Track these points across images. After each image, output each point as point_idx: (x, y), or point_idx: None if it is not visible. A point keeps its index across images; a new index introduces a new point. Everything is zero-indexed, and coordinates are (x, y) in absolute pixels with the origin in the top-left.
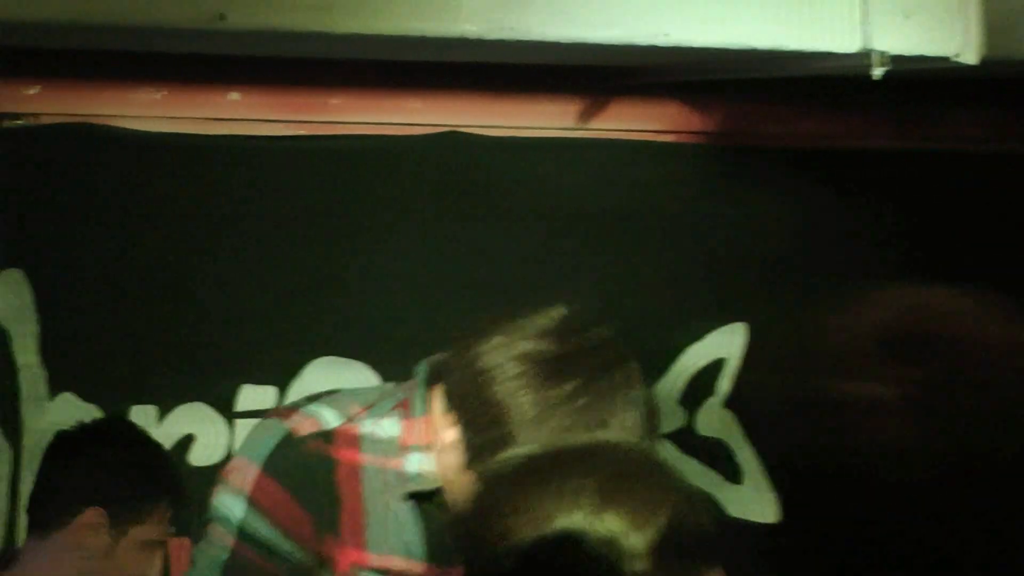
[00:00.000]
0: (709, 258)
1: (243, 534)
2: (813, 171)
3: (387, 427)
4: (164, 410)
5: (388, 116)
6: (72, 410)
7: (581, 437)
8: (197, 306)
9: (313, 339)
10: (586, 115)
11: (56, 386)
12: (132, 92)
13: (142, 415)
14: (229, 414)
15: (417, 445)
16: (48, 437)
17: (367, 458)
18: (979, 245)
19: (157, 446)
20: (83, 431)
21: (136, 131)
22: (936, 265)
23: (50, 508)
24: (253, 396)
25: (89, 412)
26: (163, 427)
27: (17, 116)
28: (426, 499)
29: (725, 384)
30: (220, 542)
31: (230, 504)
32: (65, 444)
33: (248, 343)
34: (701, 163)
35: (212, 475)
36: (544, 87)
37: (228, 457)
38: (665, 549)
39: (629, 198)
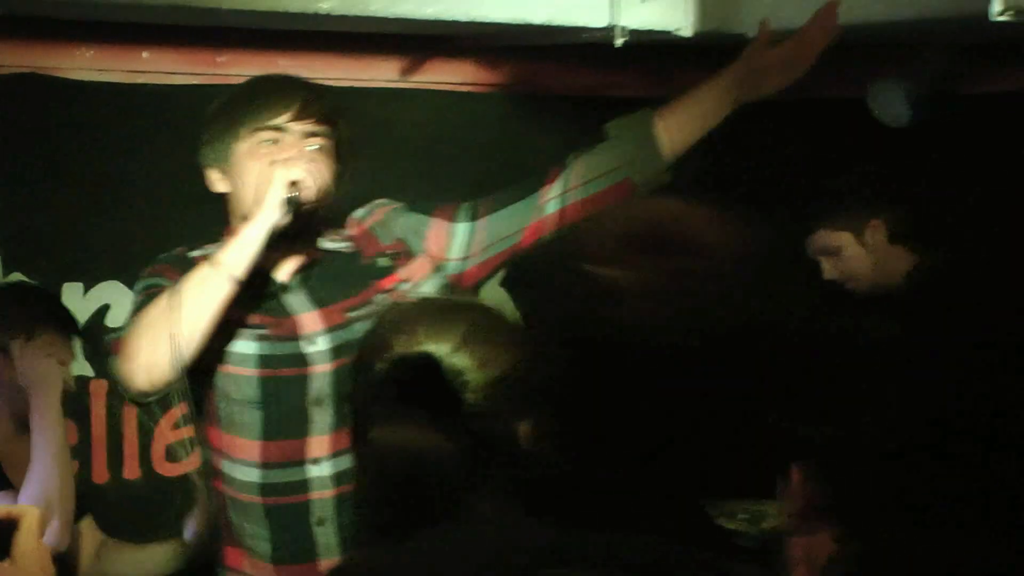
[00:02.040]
0: (497, 178)
1: (146, 286)
2: (576, 112)
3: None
4: (88, 287)
5: (262, 70)
6: None
7: (461, 296)
8: (116, 208)
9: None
10: (408, 70)
11: (8, 267)
12: (69, 50)
13: (73, 289)
14: None
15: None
16: None
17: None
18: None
19: (54, 297)
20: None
21: (72, 79)
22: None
23: None
24: None
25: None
26: (87, 300)
27: None
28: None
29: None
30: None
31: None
32: None
33: (151, 236)
34: (495, 107)
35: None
36: (377, 48)
37: None
38: (497, 389)
39: (440, 135)
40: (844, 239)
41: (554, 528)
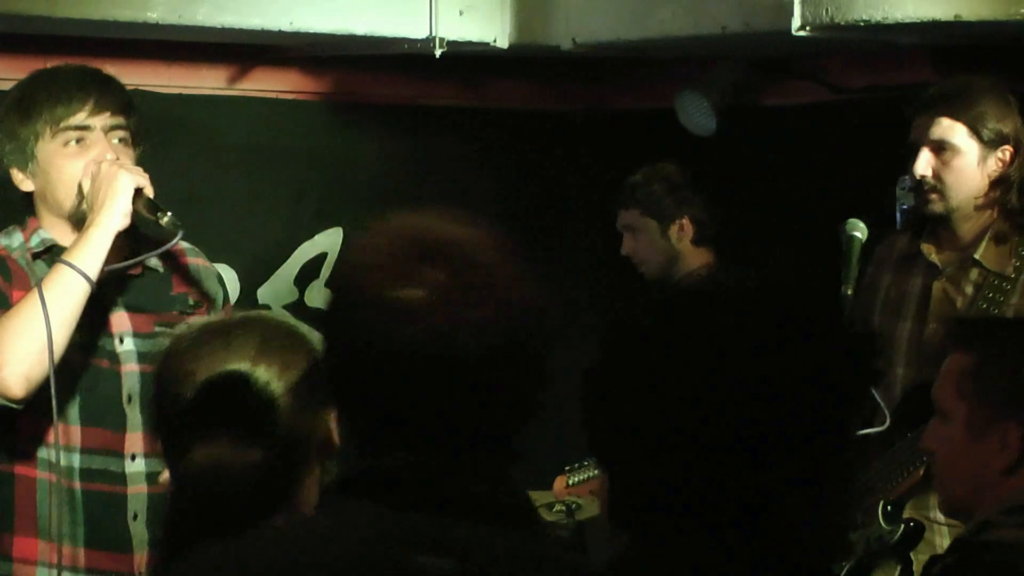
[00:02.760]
0: (319, 184)
1: None
2: (393, 121)
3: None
4: None
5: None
6: None
7: (242, 312)
8: None
9: None
10: (233, 79)
11: None
12: None
13: None
14: None
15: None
16: None
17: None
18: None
19: None
20: None
21: None
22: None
23: None
24: None
25: None
26: None
27: None
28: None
29: (326, 270)
30: None
31: None
32: None
33: None
34: (318, 115)
35: None
36: (204, 57)
37: None
38: (299, 392)
39: (264, 141)
40: (646, 224)
41: (409, 516)
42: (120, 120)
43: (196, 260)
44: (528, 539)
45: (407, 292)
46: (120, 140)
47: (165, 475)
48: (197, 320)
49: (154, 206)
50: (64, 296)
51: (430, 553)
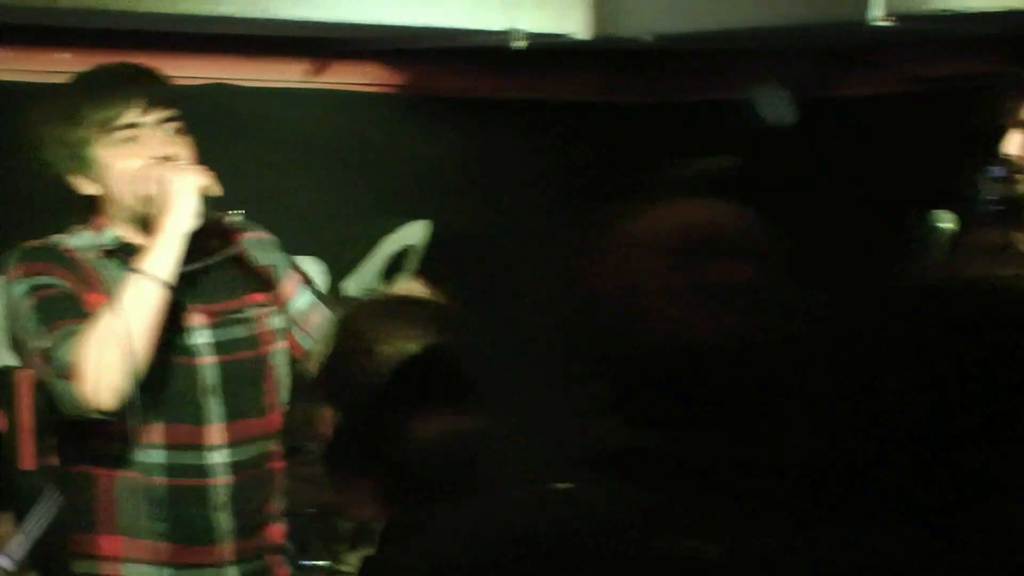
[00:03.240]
0: (403, 175)
1: (35, 287)
2: (471, 115)
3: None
4: None
5: (173, 71)
6: None
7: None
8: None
9: None
10: (313, 72)
11: None
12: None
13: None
14: None
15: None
16: None
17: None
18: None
19: None
20: None
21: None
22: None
23: None
24: None
25: None
26: None
27: None
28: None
29: (411, 263)
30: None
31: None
32: None
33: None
34: (398, 108)
35: None
36: (283, 50)
37: None
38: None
39: (345, 134)
40: None
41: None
42: (169, 112)
43: (251, 233)
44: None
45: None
46: (174, 132)
47: None
48: (360, 301)
49: (219, 203)
50: (144, 306)
51: (694, 537)
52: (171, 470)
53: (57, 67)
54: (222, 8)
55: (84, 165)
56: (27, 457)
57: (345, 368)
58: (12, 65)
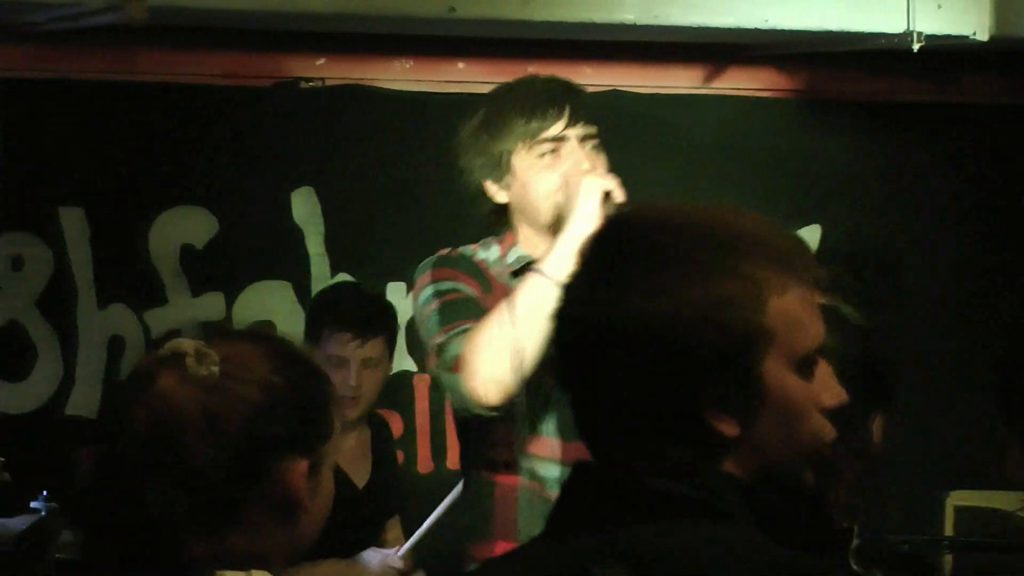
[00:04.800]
0: (795, 180)
1: (439, 291)
2: (866, 119)
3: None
4: (411, 285)
5: (567, 79)
6: None
7: None
8: (433, 212)
9: None
10: (707, 78)
11: (335, 268)
12: (389, 63)
13: (395, 289)
14: None
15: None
16: None
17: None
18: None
19: (381, 300)
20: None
21: (391, 90)
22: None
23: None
24: None
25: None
26: (409, 297)
27: (309, 80)
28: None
29: None
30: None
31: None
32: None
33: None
34: (791, 114)
35: None
36: (678, 56)
37: None
38: None
39: (737, 140)
40: None
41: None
42: (592, 129)
43: None
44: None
45: None
46: (593, 147)
47: None
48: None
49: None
50: (536, 305)
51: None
52: None
53: (453, 77)
54: (619, 15)
55: (500, 173)
56: (424, 460)
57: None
58: (412, 75)
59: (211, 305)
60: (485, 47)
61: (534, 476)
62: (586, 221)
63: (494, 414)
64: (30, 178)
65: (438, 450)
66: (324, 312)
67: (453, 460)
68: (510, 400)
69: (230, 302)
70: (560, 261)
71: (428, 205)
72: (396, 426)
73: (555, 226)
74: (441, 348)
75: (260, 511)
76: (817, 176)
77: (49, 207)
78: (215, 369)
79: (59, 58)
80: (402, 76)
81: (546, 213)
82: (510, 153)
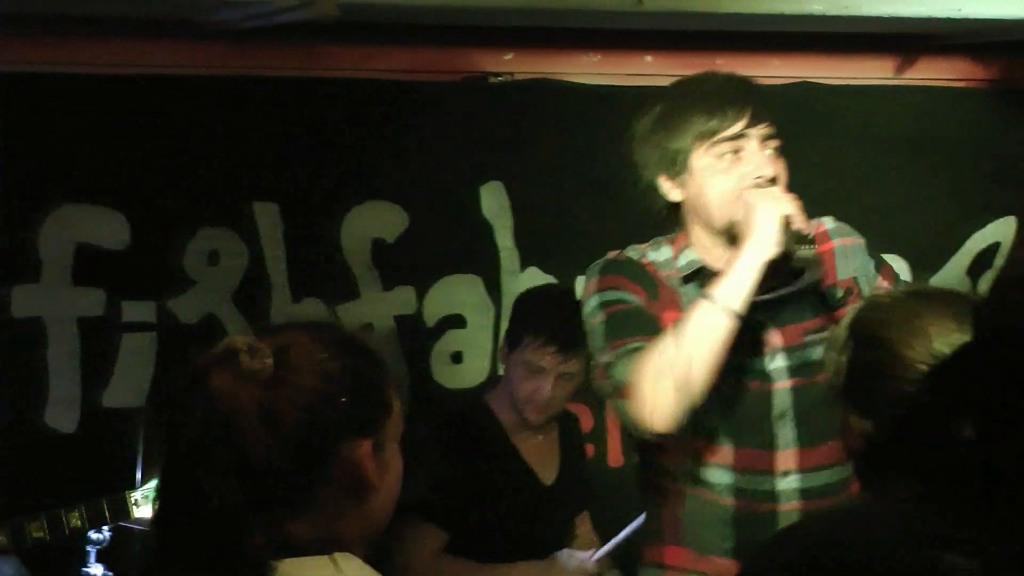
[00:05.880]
0: (989, 171)
1: (605, 302)
2: None
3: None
4: None
5: (755, 71)
6: (536, 280)
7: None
8: (616, 207)
9: None
10: (899, 68)
11: (525, 262)
12: (577, 57)
13: (583, 282)
14: None
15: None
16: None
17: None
18: None
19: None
20: (539, 290)
21: (579, 84)
22: None
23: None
24: None
25: (547, 281)
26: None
27: (498, 74)
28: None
29: (1000, 260)
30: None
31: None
32: (525, 297)
33: (656, 231)
34: (984, 103)
35: None
36: (868, 47)
37: None
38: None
39: (928, 130)
40: None
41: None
42: (772, 130)
43: (840, 241)
44: None
45: None
46: (773, 150)
47: None
48: (881, 298)
49: (800, 237)
50: (710, 335)
51: (952, 550)
52: (739, 492)
53: (640, 70)
54: (807, 6)
55: (678, 172)
56: (614, 455)
57: (871, 374)
58: (600, 69)
59: (402, 299)
60: (672, 40)
61: (704, 483)
62: (763, 248)
63: (661, 440)
64: (226, 174)
65: (630, 445)
66: (529, 319)
67: None
68: (678, 426)
69: (421, 296)
70: (733, 289)
71: (617, 199)
72: (586, 421)
73: (728, 232)
74: (609, 369)
75: (330, 495)
76: (1012, 167)
77: (244, 202)
78: (268, 363)
79: (252, 55)
80: (590, 70)
81: (720, 218)
82: (687, 151)
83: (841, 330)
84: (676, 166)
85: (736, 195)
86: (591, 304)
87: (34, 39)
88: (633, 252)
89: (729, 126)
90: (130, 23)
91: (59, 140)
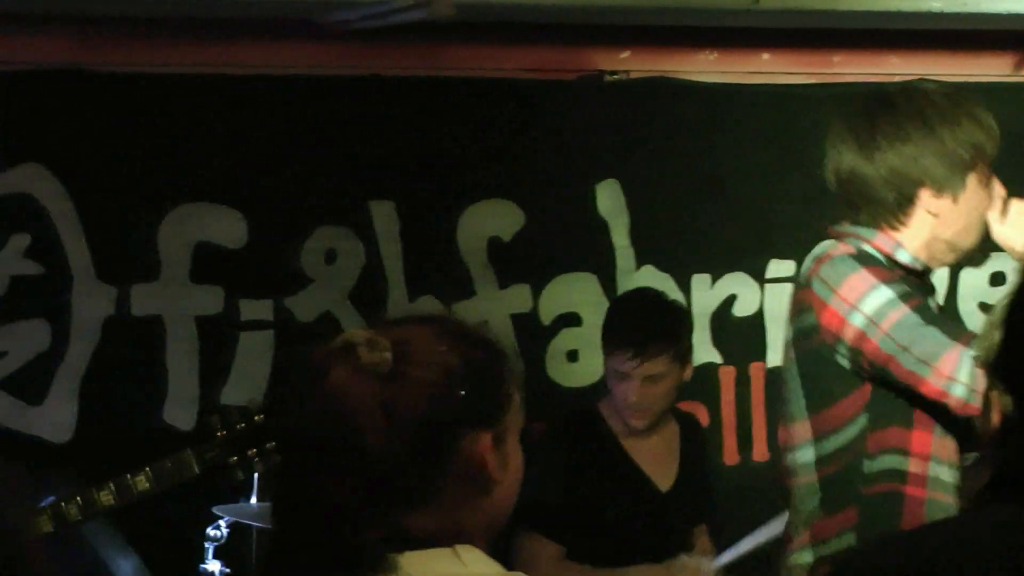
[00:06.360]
0: None
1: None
2: None
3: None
4: (715, 277)
5: (872, 69)
6: (651, 278)
7: None
8: (734, 204)
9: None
10: (1019, 65)
11: (641, 261)
12: (693, 55)
13: (700, 281)
14: (761, 280)
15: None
16: None
17: None
18: None
19: (668, 314)
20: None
21: (696, 82)
22: None
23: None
24: (777, 267)
25: (663, 279)
26: (714, 289)
27: (614, 73)
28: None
29: None
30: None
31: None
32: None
33: (773, 229)
34: None
35: (745, 324)
36: (987, 43)
37: (759, 312)
38: None
39: None
40: None
41: None
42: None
43: None
44: None
45: None
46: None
47: None
48: None
49: None
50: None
51: None
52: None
53: (758, 68)
54: (925, 3)
55: (949, 185)
56: (730, 452)
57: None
58: (716, 67)
59: (518, 297)
60: (789, 38)
61: (934, 484)
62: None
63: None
64: (343, 173)
65: (744, 442)
66: (607, 325)
67: (760, 452)
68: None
69: (536, 294)
70: None
71: (733, 197)
72: (702, 418)
73: (970, 253)
74: (954, 375)
75: (451, 488)
76: None
77: (361, 201)
78: (387, 356)
79: (369, 55)
80: (706, 68)
81: (971, 237)
82: (968, 169)
83: (999, 306)
84: (949, 181)
85: (987, 214)
86: (884, 296)
87: (157, 41)
88: (855, 244)
89: (996, 149)
90: (249, 24)
91: (178, 140)
